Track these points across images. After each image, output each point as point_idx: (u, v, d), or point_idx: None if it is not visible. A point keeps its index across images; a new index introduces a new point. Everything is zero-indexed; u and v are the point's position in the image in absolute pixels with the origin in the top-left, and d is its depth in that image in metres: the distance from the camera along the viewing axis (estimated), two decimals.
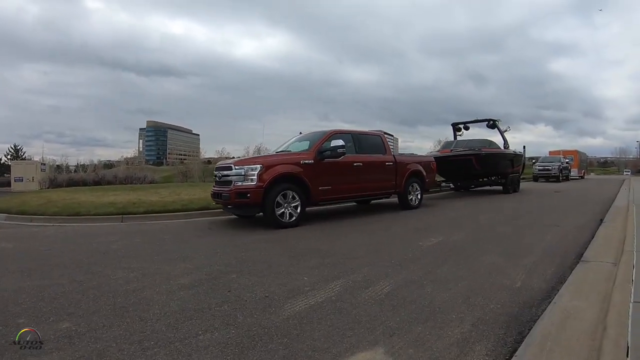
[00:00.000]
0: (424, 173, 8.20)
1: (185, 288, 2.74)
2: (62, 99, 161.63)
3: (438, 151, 12.88)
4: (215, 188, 6.09)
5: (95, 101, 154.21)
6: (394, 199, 8.04)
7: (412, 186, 7.85)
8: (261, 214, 5.66)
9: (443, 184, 12.39)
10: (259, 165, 5.46)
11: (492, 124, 13.32)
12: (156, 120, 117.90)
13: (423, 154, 10.40)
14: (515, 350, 1.74)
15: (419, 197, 8.01)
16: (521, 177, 14.35)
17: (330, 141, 6.22)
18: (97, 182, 19.93)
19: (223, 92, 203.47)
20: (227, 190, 5.58)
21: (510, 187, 12.45)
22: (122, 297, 2.57)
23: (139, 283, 2.88)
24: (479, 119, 13.85)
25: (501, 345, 1.84)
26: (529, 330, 1.95)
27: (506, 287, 2.67)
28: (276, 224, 5.43)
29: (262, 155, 8.47)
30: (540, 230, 5.11)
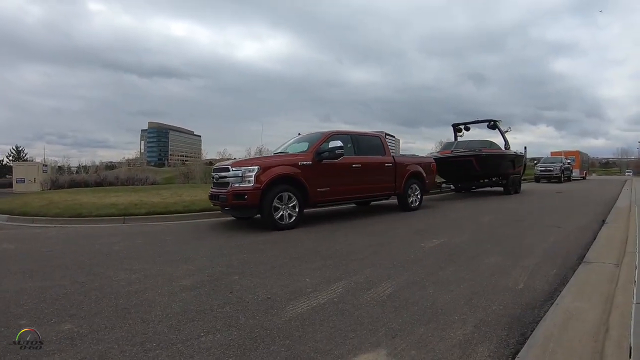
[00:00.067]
0: (424, 174, 8.17)
1: (187, 289, 2.74)
2: (63, 101, 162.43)
3: (438, 152, 12.84)
4: (213, 190, 6.06)
5: (97, 103, 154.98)
6: (394, 201, 8.01)
7: (412, 187, 7.82)
8: (259, 215, 5.65)
9: (443, 185, 12.34)
10: (256, 167, 5.44)
11: (492, 125, 13.27)
12: (158, 122, 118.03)
13: (424, 155, 10.39)
14: (517, 352, 1.74)
15: (418, 198, 7.98)
16: (522, 178, 14.32)
17: (329, 142, 6.20)
18: (99, 184, 19.99)
19: (225, 93, 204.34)
20: (225, 192, 5.56)
21: (512, 188, 12.41)
22: (124, 298, 2.57)
23: (141, 284, 2.88)
24: (479, 119, 13.83)
25: (504, 346, 1.84)
26: (532, 331, 1.95)
27: (508, 289, 2.67)
28: (274, 225, 5.40)
29: (260, 156, 8.46)
30: (541, 231, 5.10)
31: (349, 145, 6.63)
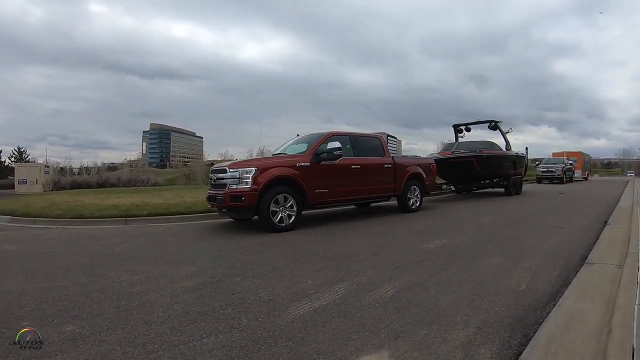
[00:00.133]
0: (424, 175, 8.14)
1: (189, 291, 2.74)
2: (65, 102, 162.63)
3: (439, 153, 12.82)
4: (211, 191, 6.01)
5: (99, 104, 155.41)
6: (394, 202, 7.98)
7: (412, 189, 7.78)
8: (257, 217, 5.63)
9: (444, 186, 12.33)
10: (253, 168, 5.42)
11: (493, 126, 13.24)
12: (160, 123, 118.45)
13: (425, 156, 10.38)
14: (520, 353, 1.74)
15: (418, 199, 7.95)
16: (524, 179, 14.28)
17: (327, 143, 6.17)
18: (101, 185, 20.06)
19: (227, 95, 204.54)
20: (222, 194, 5.52)
21: (513, 189, 12.37)
22: (126, 299, 2.58)
23: (143, 286, 2.88)
24: (480, 120, 13.81)
25: (506, 348, 1.84)
26: (534, 333, 1.94)
27: (511, 290, 2.67)
28: (271, 227, 5.37)
29: (258, 157, 8.44)
30: (543, 232, 5.09)
31: (347, 146, 6.61)
